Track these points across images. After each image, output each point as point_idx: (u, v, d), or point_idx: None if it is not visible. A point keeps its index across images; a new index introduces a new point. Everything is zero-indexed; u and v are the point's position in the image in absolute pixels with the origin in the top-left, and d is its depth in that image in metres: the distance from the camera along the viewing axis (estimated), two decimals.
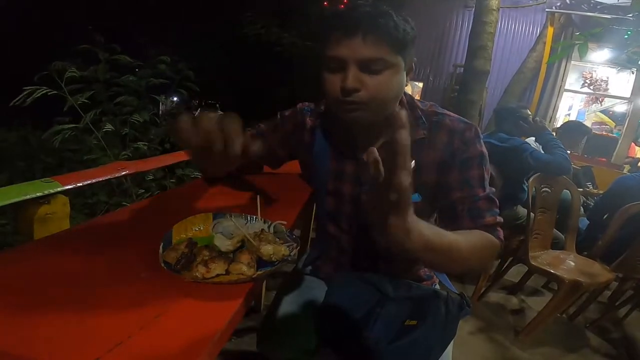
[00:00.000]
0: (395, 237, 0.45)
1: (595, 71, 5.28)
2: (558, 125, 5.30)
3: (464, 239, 0.65)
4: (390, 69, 0.70)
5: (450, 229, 0.75)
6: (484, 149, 0.79)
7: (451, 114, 0.82)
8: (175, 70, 2.82)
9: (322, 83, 0.75)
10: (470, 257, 0.65)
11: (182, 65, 2.85)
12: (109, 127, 2.34)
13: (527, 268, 2.01)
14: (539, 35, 5.21)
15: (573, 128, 2.86)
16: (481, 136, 0.80)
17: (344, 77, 0.70)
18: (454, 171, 0.78)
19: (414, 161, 0.43)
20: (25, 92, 2.06)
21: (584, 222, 2.44)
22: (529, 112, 2.34)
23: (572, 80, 5.34)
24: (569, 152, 2.99)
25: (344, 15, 0.69)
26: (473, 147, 0.78)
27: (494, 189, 0.80)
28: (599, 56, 4.92)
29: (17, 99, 2.06)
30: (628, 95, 5.08)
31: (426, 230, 0.51)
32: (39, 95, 2.06)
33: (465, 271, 0.88)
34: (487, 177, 0.79)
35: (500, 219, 0.77)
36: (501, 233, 0.76)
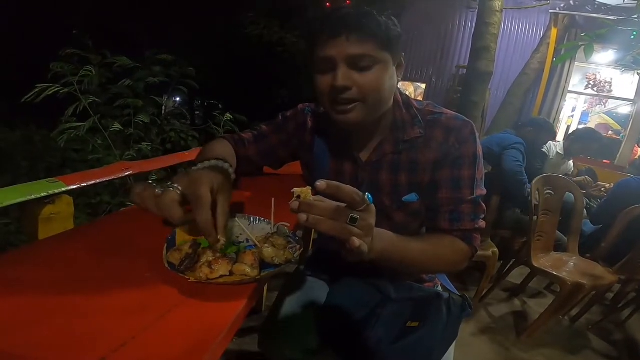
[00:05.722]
0: (352, 255, 0.53)
1: (599, 73, 5.25)
2: (560, 126, 5.30)
3: (428, 247, 0.73)
4: (379, 65, 0.71)
5: (427, 226, 0.86)
6: (479, 149, 0.79)
7: (448, 111, 0.81)
8: (176, 70, 2.83)
9: (315, 85, 0.75)
10: (431, 263, 0.76)
11: (183, 64, 2.85)
12: (117, 126, 2.34)
13: (530, 270, 2.01)
14: (543, 36, 5.19)
15: (585, 135, 2.86)
16: (477, 134, 0.79)
17: (334, 76, 0.70)
18: (446, 169, 0.78)
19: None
20: (37, 90, 2.07)
21: (586, 225, 2.43)
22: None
23: (576, 82, 5.31)
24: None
25: (328, 17, 0.71)
26: (467, 146, 0.77)
27: (484, 191, 0.80)
28: (603, 57, 4.89)
29: (28, 96, 2.06)
30: (632, 96, 5.05)
31: (380, 243, 0.59)
32: (50, 93, 2.07)
33: (430, 273, 0.96)
34: (478, 177, 0.79)
35: (481, 224, 0.79)
36: (477, 239, 0.79)
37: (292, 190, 0.51)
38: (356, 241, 0.50)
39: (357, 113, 0.73)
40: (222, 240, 0.60)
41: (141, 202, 0.65)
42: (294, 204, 0.49)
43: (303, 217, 0.49)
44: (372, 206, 0.53)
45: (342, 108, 0.72)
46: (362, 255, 0.53)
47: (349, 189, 0.49)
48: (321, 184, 0.48)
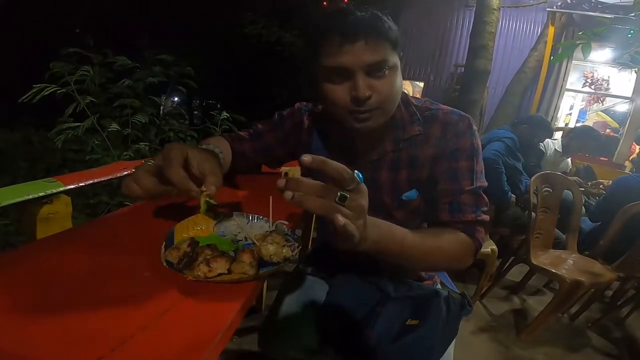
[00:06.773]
0: (343, 240, 0.50)
1: (596, 70, 5.26)
2: (560, 125, 5.30)
3: (429, 238, 0.68)
4: (392, 69, 0.70)
5: (428, 220, 0.83)
6: (477, 142, 0.78)
7: (445, 107, 0.81)
8: (175, 69, 2.82)
9: (326, 96, 0.71)
10: (433, 256, 0.68)
11: (182, 64, 2.85)
12: (114, 126, 2.33)
13: (529, 267, 2.01)
14: (540, 34, 5.20)
15: (583, 133, 2.87)
16: (475, 128, 0.78)
17: (353, 86, 0.67)
18: (444, 162, 0.77)
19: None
20: (34, 90, 2.05)
21: (585, 222, 2.44)
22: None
23: (574, 80, 5.33)
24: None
25: (341, 23, 0.66)
26: (464, 139, 0.77)
27: (485, 184, 0.78)
28: (601, 55, 4.91)
29: (25, 96, 2.04)
30: (629, 94, 5.07)
31: (375, 231, 0.55)
32: (47, 93, 2.05)
33: (433, 270, 0.92)
34: (478, 169, 0.77)
35: (484, 217, 0.75)
36: (480, 232, 0.75)
37: (280, 169, 0.49)
38: (340, 219, 0.46)
39: (376, 119, 0.72)
40: (209, 189, 0.61)
41: (129, 192, 0.63)
42: (281, 182, 0.47)
43: (289, 194, 0.46)
44: (363, 186, 0.49)
45: (363, 116, 0.70)
46: (354, 241, 0.49)
47: (336, 164, 0.46)
48: (306, 158, 0.45)
